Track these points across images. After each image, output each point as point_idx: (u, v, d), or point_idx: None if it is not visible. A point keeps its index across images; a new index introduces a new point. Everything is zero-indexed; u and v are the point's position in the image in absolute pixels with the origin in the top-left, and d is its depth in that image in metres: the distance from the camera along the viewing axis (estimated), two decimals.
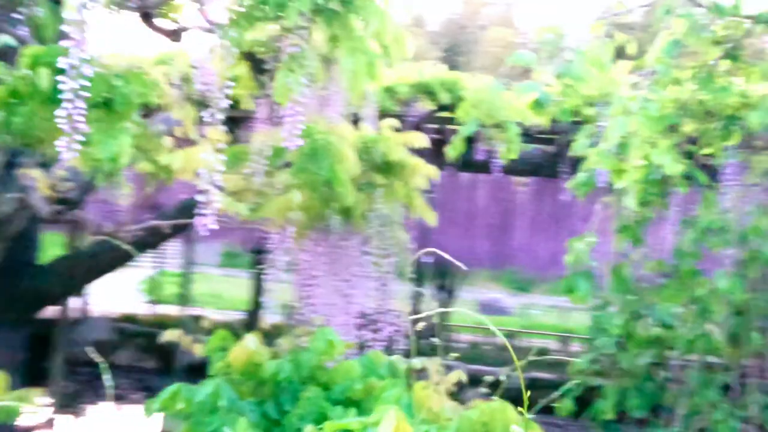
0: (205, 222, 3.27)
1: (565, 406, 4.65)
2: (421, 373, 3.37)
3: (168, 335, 3.25)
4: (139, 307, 15.93)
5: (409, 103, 6.82)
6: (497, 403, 2.83)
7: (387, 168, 4.64)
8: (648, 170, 4.60)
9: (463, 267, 2.58)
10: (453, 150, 4.43)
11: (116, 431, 10.16)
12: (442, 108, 7.16)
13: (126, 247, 3.33)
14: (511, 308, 20.87)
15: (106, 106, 3.23)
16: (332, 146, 3.98)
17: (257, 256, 17.10)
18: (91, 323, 14.45)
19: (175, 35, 3.68)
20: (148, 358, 13.85)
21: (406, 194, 4.73)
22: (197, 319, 14.39)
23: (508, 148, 4.33)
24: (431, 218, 4.84)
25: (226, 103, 3.22)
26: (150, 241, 4.28)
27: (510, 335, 18.15)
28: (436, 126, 7.14)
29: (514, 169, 7.37)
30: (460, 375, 2.90)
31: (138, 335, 14.38)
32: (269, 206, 3.83)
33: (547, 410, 3.14)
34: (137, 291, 16.44)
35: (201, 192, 3.25)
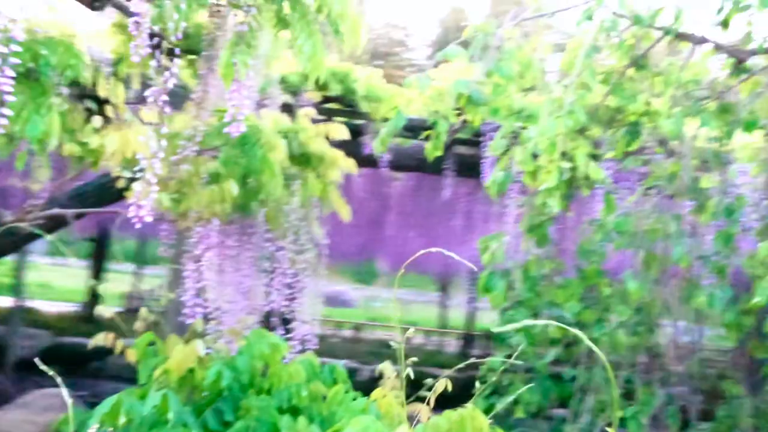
0: (140, 213, 2.95)
1: (479, 405, 4.63)
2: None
3: (98, 339, 2.86)
4: None
5: (298, 93, 6.57)
6: (467, 410, 2.72)
7: (304, 159, 4.42)
8: (559, 172, 4.67)
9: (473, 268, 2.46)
10: (380, 144, 4.28)
11: None
12: (330, 99, 6.96)
13: (50, 236, 2.91)
14: (355, 301, 20.96)
15: (26, 77, 2.82)
16: (262, 134, 3.72)
17: (94, 244, 16.16)
18: None
19: (97, 4, 3.27)
20: None
21: (321, 187, 4.53)
22: (27, 311, 13.30)
23: (434, 145, 4.24)
24: (345, 213, 4.68)
25: (172, 83, 2.91)
26: (48, 229, 3.81)
27: (356, 327, 18.29)
28: (324, 117, 6.94)
29: (397, 164, 7.32)
30: (446, 383, 2.76)
31: None
32: (195, 197, 3.51)
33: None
34: None
35: (136, 179, 2.92)
